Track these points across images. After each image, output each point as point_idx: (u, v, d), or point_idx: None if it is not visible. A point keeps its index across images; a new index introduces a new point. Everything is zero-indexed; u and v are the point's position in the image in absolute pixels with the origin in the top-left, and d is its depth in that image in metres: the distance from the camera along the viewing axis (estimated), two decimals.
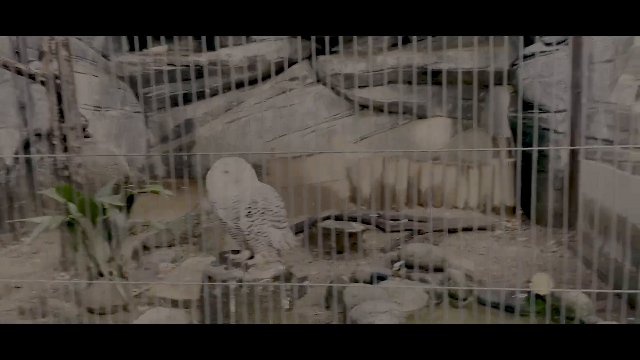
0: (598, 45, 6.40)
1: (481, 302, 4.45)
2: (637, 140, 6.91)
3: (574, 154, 6.47)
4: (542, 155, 7.15)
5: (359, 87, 9.16)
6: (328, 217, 6.51)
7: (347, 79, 9.05)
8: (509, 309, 4.23)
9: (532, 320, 4.03)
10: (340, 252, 6.13)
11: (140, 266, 5.12)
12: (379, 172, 8.14)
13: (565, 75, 6.63)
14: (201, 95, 9.31)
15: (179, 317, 3.72)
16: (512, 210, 7.56)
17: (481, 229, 7.06)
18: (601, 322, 3.80)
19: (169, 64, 9.13)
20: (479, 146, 8.16)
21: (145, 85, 9.15)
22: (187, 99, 8.88)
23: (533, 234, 6.81)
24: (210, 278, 3.08)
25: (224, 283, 3.01)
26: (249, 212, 2.96)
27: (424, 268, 5.07)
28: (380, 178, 8.12)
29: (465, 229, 7.02)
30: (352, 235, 6.23)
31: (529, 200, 7.22)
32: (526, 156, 7.19)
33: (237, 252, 3.32)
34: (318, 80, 9.38)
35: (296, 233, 6.71)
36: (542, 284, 3.99)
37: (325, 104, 9.36)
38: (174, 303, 4.17)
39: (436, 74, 8.28)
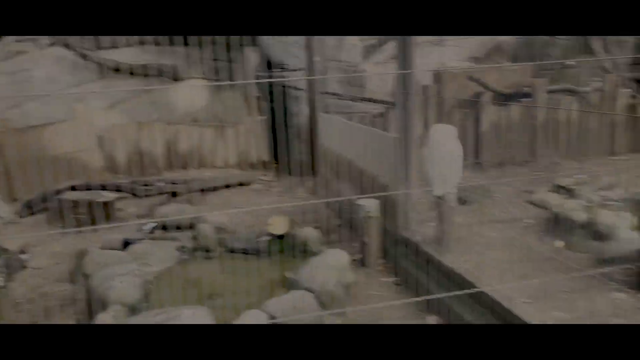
0: None
1: (232, 251, 4.72)
2: (364, 94, 7.97)
3: (312, 109, 7.13)
4: (289, 112, 7.76)
5: (106, 48, 8.55)
6: (75, 188, 6.08)
7: (90, 40, 8.36)
8: (256, 253, 4.60)
9: (275, 258, 4.45)
10: (92, 223, 5.81)
11: None
12: (134, 138, 7.85)
13: (301, 36, 7.19)
14: None
15: None
16: (268, 164, 8.08)
17: (240, 184, 7.41)
18: (330, 250, 4.34)
19: None
20: (234, 106, 8.42)
21: None
22: None
23: (285, 184, 7.41)
24: None
25: None
26: None
27: (179, 228, 5.16)
28: (136, 144, 7.84)
29: (225, 186, 7.29)
30: (105, 204, 5.95)
31: (282, 154, 7.85)
32: (274, 113, 7.75)
33: None
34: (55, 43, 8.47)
35: (37, 209, 6.15)
36: (278, 226, 4.40)
37: (69, 68, 8.53)
38: None
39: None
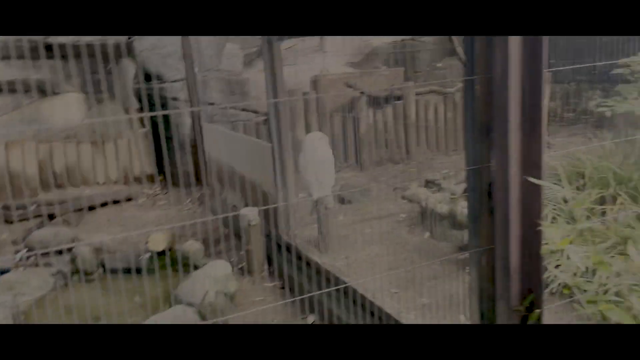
0: None
1: (112, 271, 4.60)
2: (246, 102, 8.05)
3: (195, 119, 7.10)
4: (169, 123, 7.64)
5: None
6: None
7: None
8: (138, 271, 4.52)
9: (157, 275, 4.41)
10: None
11: None
12: (2, 159, 7.30)
13: (178, 46, 7.13)
14: None
15: None
16: (152, 178, 7.89)
17: (123, 200, 7.18)
18: (212, 261, 4.40)
19: None
20: (113, 120, 8.12)
21: None
22: None
23: (172, 197, 7.30)
24: None
25: None
26: None
27: (58, 252, 4.92)
28: (6, 165, 7.31)
29: (107, 203, 7.02)
30: None
31: (167, 166, 7.71)
32: (156, 125, 7.59)
33: None
34: None
35: None
36: (158, 242, 4.38)
37: None
38: None
39: (50, 47, 7.75)
